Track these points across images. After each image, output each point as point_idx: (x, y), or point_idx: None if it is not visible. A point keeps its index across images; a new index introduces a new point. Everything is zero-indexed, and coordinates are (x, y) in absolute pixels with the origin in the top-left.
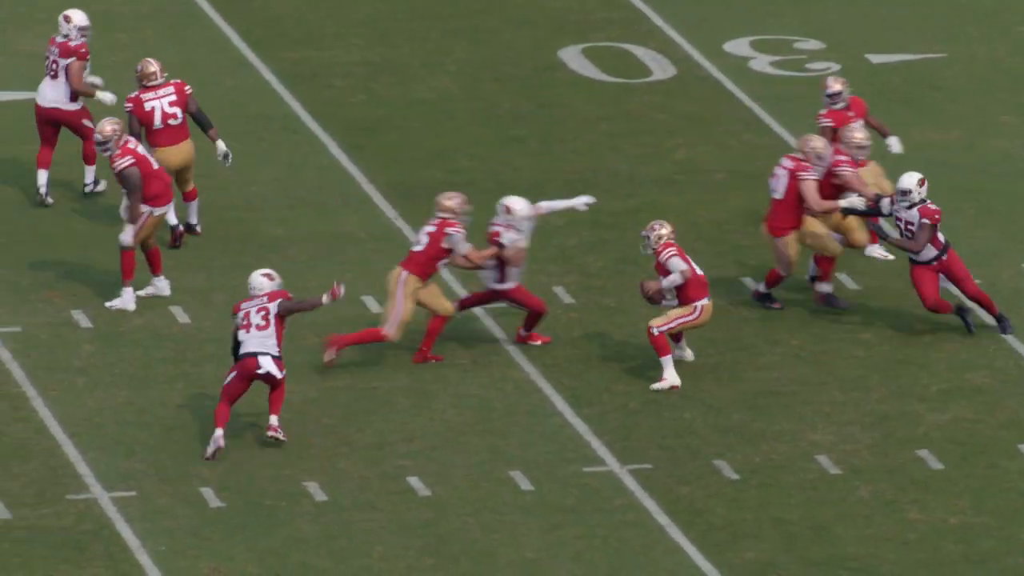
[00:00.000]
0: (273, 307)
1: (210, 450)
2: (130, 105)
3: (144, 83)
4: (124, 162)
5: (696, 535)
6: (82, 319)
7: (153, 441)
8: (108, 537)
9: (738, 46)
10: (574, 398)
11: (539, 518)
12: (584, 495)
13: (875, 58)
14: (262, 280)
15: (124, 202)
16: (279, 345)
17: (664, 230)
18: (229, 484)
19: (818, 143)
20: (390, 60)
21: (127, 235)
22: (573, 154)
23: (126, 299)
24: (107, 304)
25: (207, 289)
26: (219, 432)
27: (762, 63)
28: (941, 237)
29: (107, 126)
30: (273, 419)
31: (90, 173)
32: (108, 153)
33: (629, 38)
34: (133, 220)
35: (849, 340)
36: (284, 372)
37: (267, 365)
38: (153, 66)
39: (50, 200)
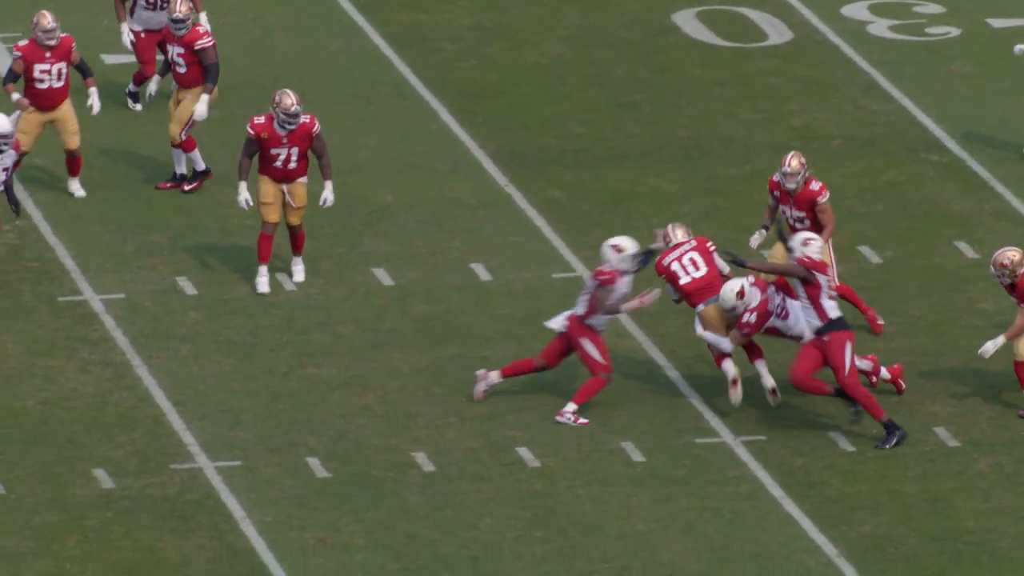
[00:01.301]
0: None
1: (479, 388)
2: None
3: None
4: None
5: (810, 508)
6: (187, 286)
7: (259, 410)
8: (213, 507)
9: (856, 10)
10: (687, 368)
11: (650, 490)
12: (696, 466)
13: (996, 22)
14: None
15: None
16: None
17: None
18: (336, 454)
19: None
20: (501, 24)
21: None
22: (687, 120)
23: (260, 281)
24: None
25: (314, 256)
26: (494, 374)
27: (880, 27)
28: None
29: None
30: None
31: (154, 83)
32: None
33: (745, 2)
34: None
35: (968, 310)
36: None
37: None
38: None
39: (150, 97)
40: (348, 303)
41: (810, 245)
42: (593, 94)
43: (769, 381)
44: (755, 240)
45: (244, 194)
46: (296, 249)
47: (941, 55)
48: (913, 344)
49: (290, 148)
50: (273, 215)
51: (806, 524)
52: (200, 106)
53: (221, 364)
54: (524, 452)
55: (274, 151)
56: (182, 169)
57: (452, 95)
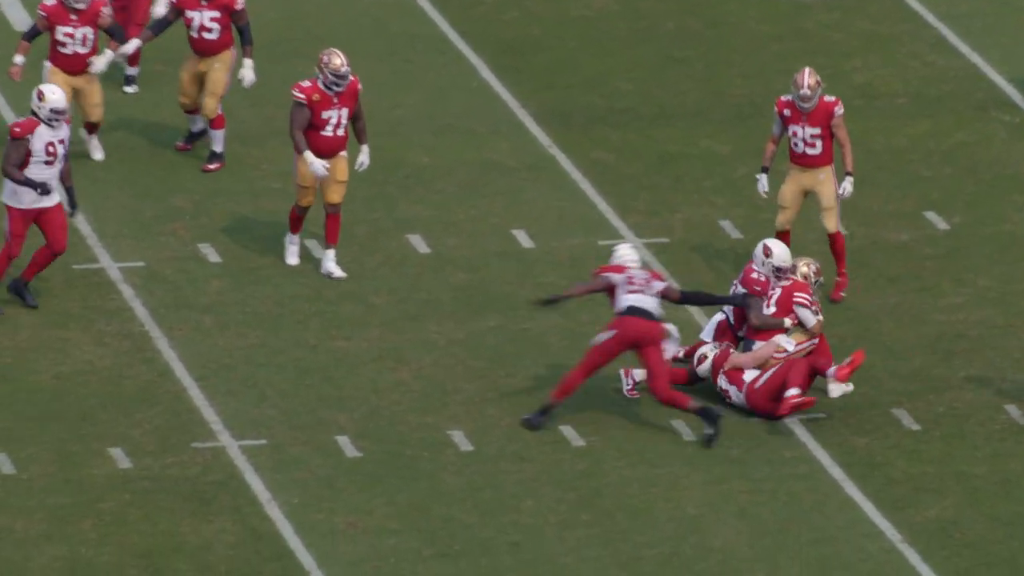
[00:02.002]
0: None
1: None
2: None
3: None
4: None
5: (873, 490)
6: (210, 253)
7: (286, 385)
8: (236, 489)
9: None
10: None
11: (702, 470)
12: (751, 446)
13: None
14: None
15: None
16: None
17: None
18: (367, 432)
19: None
20: None
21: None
22: (741, 77)
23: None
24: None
25: (347, 222)
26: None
27: None
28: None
29: None
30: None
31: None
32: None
33: None
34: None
35: None
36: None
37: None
38: None
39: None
40: (381, 271)
41: (616, 252)
42: (641, 49)
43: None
44: (763, 186)
45: (316, 161)
46: (331, 237)
47: (1012, 7)
48: (981, 315)
49: (340, 110)
50: (310, 198)
51: (867, 507)
52: (248, 72)
53: (246, 336)
54: (568, 430)
55: (325, 115)
56: (199, 126)
57: (492, 50)
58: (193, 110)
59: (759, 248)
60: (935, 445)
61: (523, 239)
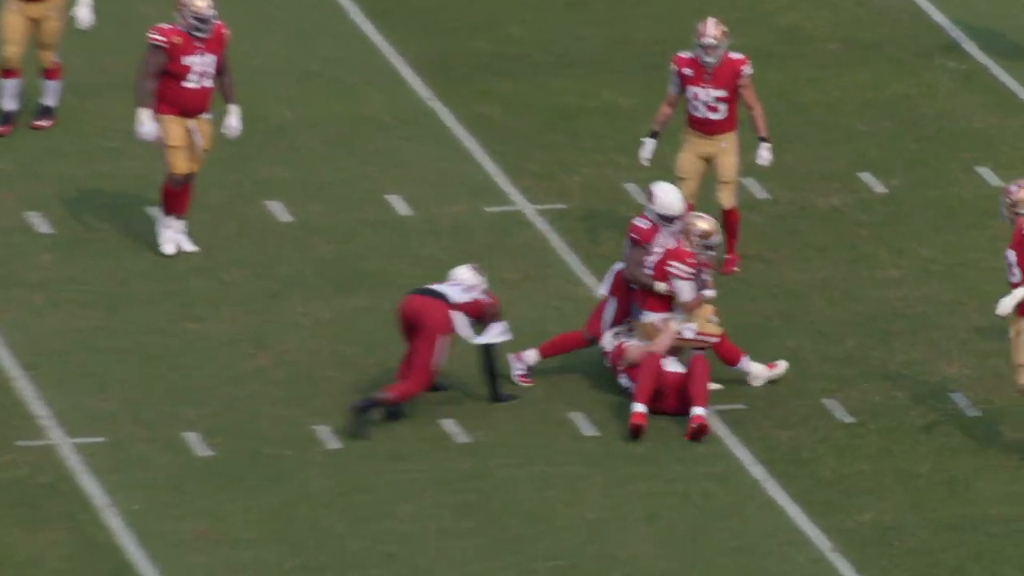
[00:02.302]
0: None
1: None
2: None
3: None
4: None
5: (799, 491)
6: (40, 222)
7: (127, 374)
8: (69, 493)
9: None
10: None
11: (603, 470)
12: (660, 442)
13: None
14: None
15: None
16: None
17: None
18: (221, 427)
19: None
20: None
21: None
22: (649, 20)
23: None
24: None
25: (197, 185)
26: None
27: None
28: None
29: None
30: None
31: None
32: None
33: None
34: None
35: (990, 250)
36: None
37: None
38: None
39: None
40: (238, 243)
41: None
42: None
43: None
44: (646, 153)
45: (149, 124)
46: (181, 208)
47: None
48: (924, 291)
49: (204, 56)
50: (185, 163)
51: (793, 511)
52: (83, 11)
53: (82, 318)
54: (450, 425)
55: (186, 60)
56: (14, 106)
57: None
58: (12, 70)
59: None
60: (871, 440)
61: (399, 205)
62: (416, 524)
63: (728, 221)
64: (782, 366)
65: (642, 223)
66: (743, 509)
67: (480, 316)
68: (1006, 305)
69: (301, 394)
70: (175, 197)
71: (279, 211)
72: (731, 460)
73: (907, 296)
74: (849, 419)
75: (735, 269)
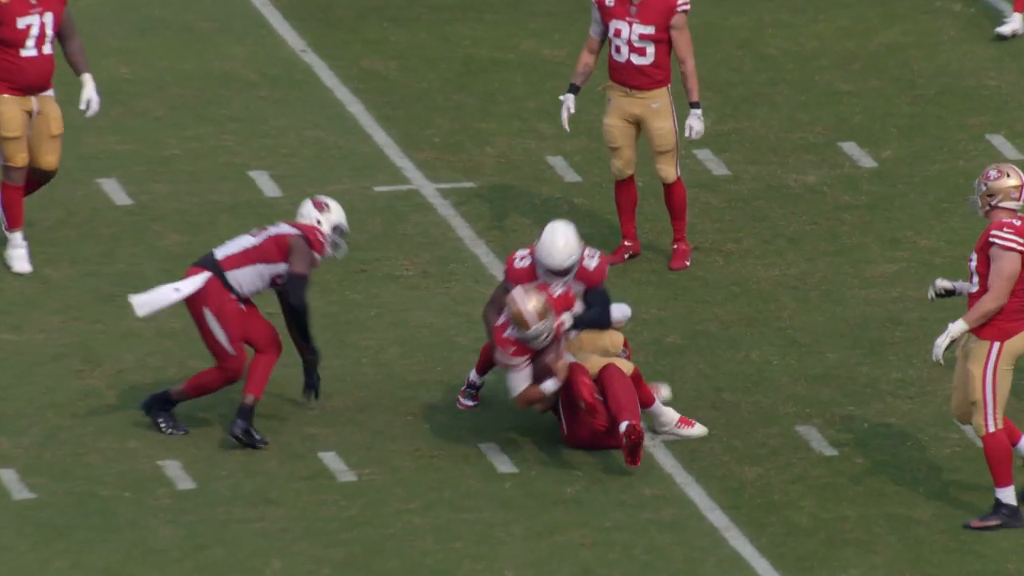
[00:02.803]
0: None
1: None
2: None
3: None
4: None
5: (769, 543)
6: None
7: None
8: None
9: None
10: None
11: (525, 516)
12: (593, 481)
13: None
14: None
15: None
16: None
17: None
18: (43, 464)
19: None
20: None
21: None
22: None
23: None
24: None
25: None
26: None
27: None
28: None
29: None
30: None
31: None
32: None
33: None
34: None
35: None
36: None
37: None
38: None
39: None
40: (63, 233)
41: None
42: None
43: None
44: (565, 113)
45: None
46: (20, 217)
47: None
48: (925, 292)
49: (43, 16)
50: (24, 154)
51: (762, 567)
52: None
53: None
54: (331, 459)
55: (23, 23)
56: None
57: None
58: None
59: None
60: (858, 478)
61: (265, 184)
62: None
63: (671, 200)
64: (699, 429)
65: (520, 257)
66: (699, 566)
67: (283, 257)
68: (940, 348)
69: (142, 422)
70: (17, 201)
71: (115, 192)
72: (684, 504)
73: (902, 297)
74: (830, 451)
75: (686, 264)
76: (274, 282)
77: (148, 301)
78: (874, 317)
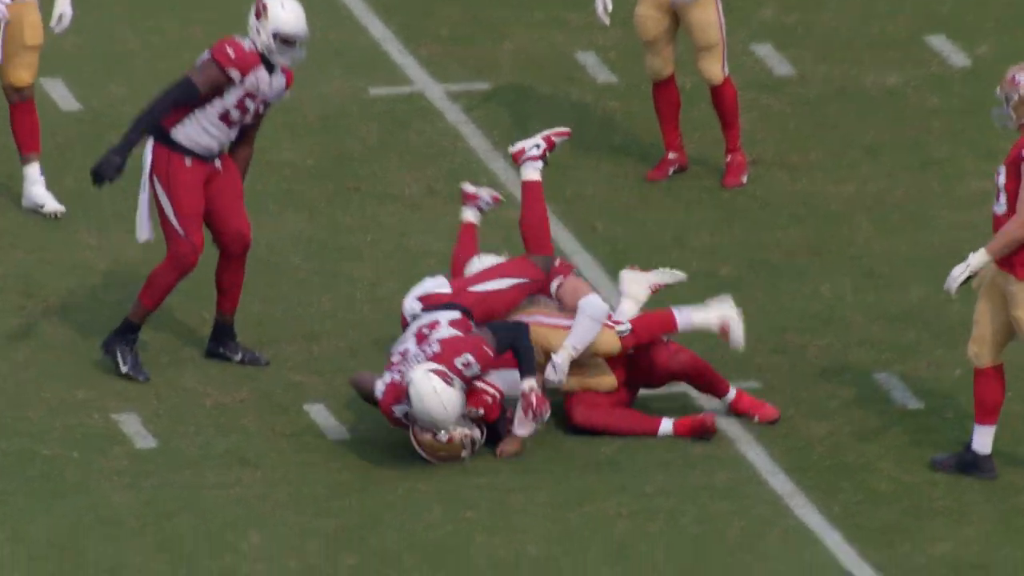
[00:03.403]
0: None
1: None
2: None
3: None
4: None
5: (842, 512)
6: None
7: None
8: None
9: None
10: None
11: (551, 482)
12: (633, 438)
13: None
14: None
15: None
16: None
17: None
18: None
19: None
20: None
21: None
22: None
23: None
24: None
25: None
26: None
27: None
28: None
29: None
30: None
31: None
32: None
33: None
34: None
35: None
36: None
37: None
38: None
39: None
40: None
41: None
42: None
43: None
44: (601, 3)
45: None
46: (34, 146)
47: None
48: None
49: None
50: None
51: (833, 541)
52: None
53: None
54: (320, 413)
55: None
56: None
57: None
58: None
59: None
60: (948, 434)
61: None
62: (268, 561)
63: (720, 105)
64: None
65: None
66: (759, 540)
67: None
68: (956, 280)
69: (95, 367)
70: (31, 121)
71: (61, 96)
72: (740, 466)
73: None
74: (914, 403)
75: (741, 180)
76: (226, 122)
77: (142, 220)
78: (966, 243)
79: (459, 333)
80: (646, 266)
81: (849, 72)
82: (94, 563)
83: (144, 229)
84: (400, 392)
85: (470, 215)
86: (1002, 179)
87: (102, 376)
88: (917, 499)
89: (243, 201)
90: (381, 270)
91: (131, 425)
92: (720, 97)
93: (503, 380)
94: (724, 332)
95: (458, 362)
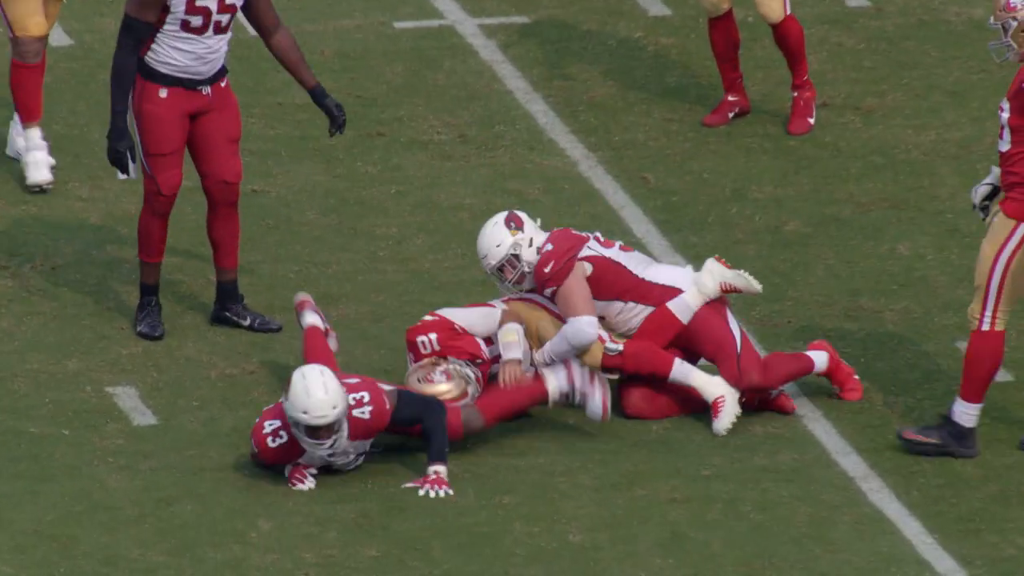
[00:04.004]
0: None
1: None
2: None
3: None
4: None
5: (922, 498)
6: None
7: None
8: None
9: None
10: None
11: (596, 463)
12: (688, 416)
13: None
14: None
15: None
16: None
17: None
18: None
19: None
20: None
21: None
22: None
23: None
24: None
25: None
26: None
27: None
28: None
29: None
30: None
31: None
32: None
33: None
34: None
35: None
36: None
37: None
38: None
39: None
40: None
41: None
42: None
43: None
44: None
45: None
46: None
47: None
48: None
49: None
50: (39, 18)
51: (913, 530)
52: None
53: None
54: None
55: None
56: None
57: None
58: None
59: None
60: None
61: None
62: (280, 553)
63: (783, 42)
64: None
65: (272, 432)
66: (829, 528)
67: None
68: (979, 195)
69: (87, 334)
70: (33, 85)
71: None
72: (808, 446)
73: None
74: (1003, 375)
75: (809, 124)
76: (190, 30)
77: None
78: None
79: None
80: (702, 223)
81: (930, 3)
82: (86, 554)
83: (130, 167)
84: (272, 412)
85: (311, 320)
86: (1006, 115)
87: (95, 344)
88: (1006, 484)
89: (236, 143)
90: (407, 226)
91: (128, 400)
92: (782, 36)
93: (472, 324)
94: (715, 408)
95: (352, 396)
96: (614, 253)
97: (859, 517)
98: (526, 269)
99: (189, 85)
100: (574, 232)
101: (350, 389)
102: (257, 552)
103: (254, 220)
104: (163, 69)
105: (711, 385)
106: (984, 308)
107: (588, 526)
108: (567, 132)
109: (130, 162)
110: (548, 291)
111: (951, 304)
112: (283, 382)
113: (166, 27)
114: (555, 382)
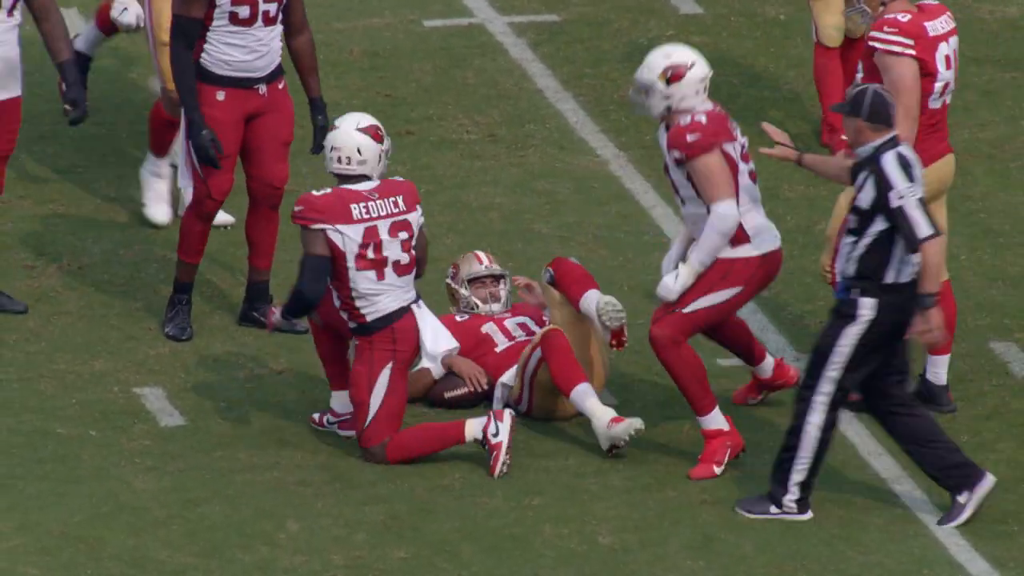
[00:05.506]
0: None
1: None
2: None
3: None
4: None
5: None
6: None
7: None
8: None
9: None
10: None
11: (626, 464)
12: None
13: None
14: None
15: None
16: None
17: None
18: None
19: None
20: None
21: None
22: None
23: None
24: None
25: None
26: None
27: None
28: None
29: None
30: None
31: None
32: None
33: None
34: None
35: None
36: None
37: None
38: None
39: None
40: None
41: None
42: None
43: None
44: None
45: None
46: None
47: None
48: None
49: None
50: None
51: (943, 530)
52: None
53: None
54: None
55: None
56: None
57: None
58: None
59: None
60: None
61: None
62: (309, 554)
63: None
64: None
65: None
66: (860, 530)
67: None
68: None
69: (115, 334)
70: (165, 128)
71: (74, 21)
72: (839, 446)
73: None
74: None
75: (842, 139)
76: (239, 22)
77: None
78: None
79: None
80: None
81: (963, 1)
82: (113, 556)
83: (182, 175)
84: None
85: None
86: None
87: (123, 345)
88: None
89: (287, 147)
90: (436, 225)
91: (155, 400)
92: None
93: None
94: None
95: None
96: (742, 174)
97: (891, 519)
98: (665, 109)
99: (246, 84)
100: (731, 124)
101: None
102: (286, 554)
103: (283, 219)
104: (218, 70)
105: (601, 412)
106: None
107: (618, 528)
108: (597, 131)
109: (183, 165)
110: (675, 155)
111: (984, 305)
112: (311, 382)
113: (215, 23)
114: (473, 426)
